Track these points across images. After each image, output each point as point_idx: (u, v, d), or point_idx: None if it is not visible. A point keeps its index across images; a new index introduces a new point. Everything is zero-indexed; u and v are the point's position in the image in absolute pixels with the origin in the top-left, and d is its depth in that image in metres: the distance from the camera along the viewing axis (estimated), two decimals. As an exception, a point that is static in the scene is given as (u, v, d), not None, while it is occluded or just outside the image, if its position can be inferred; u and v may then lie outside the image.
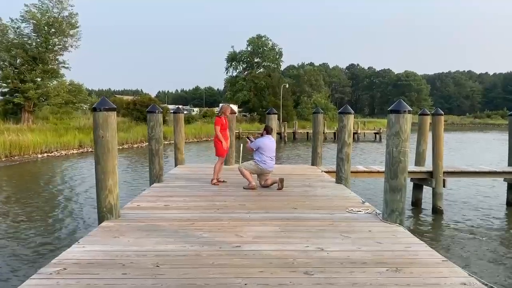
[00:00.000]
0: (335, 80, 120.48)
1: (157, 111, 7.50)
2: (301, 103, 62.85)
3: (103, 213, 4.91)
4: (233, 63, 57.92)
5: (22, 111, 31.77)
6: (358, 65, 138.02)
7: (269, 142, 7.16)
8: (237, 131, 38.43)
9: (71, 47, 33.28)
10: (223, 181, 7.52)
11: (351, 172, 9.39)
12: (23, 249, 7.12)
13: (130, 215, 5.16)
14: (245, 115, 56.91)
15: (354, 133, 43.14)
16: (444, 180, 9.67)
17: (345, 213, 5.37)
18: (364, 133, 44.51)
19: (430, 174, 9.83)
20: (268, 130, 7.29)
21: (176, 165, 10.04)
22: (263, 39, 57.15)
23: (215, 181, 7.37)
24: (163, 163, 7.71)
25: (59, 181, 14.60)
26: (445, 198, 10.19)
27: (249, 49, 56.90)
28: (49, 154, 21.62)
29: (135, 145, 28.44)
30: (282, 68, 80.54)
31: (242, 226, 4.71)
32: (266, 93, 54.46)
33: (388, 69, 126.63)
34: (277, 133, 41.52)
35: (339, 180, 7.69)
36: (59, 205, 10.69)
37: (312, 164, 10.43)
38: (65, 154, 22.27)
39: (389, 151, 4.90)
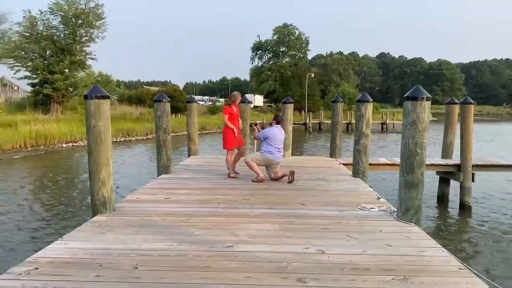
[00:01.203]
0: (365, 70, 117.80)
1: (164, 100, 7.21)
2: (328, 93, 61.64)
3: (97, 206, 4.67)
4: (258, 53, 57.27)
5: (51, 102, 32.48)
6: (388, 54, 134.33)
7: (277, 133, 6.75)
8: (261, 121, 38.11)
9: (98, 38, 33.74)
10: (237, 173, 7.15)
11: (372, 164, 8.92)
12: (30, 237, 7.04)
13: (126, 209, 4.90)
14: (270, 106, 56.35)
15: (382, 124, 42.37)
16: (473, 174, 8.97)
17: (357, 210, 4.92)
18: (393, 123, 43.20)
19: (458, 167, 9.15)
20: (277, 120, 6.87)
21: (189, 155, 9.79)
22: (289, 27, 56.18)
23: (233, 174, 7.03)
24: (171, 154, 7.43)
25: (80, 170, 14.70)
26: (473, 193, 9.48)
27: (275, 38, 56.06)
28: (74, 144, 21.95)
29: (159, 135, 28.51)
30: (309, 58, 79.45)
31: (241, 223, 4.35)
32: (291, 83, 53.66)
33: (420, 57, 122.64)
34: (302, 124, 41.07)
35: (356, 174, 7.20)
36: (73, 194, 10.67)
37: (331, 156, 9.94)
38: (90, 144, 22.51)
39: (405, 143, 4.40)
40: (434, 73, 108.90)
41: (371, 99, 7.14)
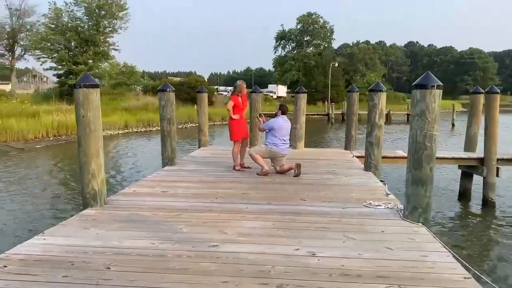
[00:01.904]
0: (392, 59, 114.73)
1: (168, 89, 6.99)
2: (354, 83, 60.33)
3: (87, 199, 4.51)
4: (282, 42, 56.45)
5: (76, 92, 32.98)
6: (417, 42, 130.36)
7: (283, 123, 6.43)
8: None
9: (120, 29, 33.97)
10: (248, 167, 6.86)
11: (387, 157, 8.49)
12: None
13: (118, 202, 4.73)
14: (293, 96, 55.62)
15: (407, 115, 40.98)
16: (497, 169, 8.39)
17: (361, 208, 4.58)
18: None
19: (481, 161, 8.59)
20: (283, 110, 6.53)
21: (199, 147, 9.61)
22: (314, 16, 55.03)
23: (238, 167, 6.77)
24: (175, 145, 7.24)
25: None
26: (498, 189, 8.90)
27: (298, 27, 55.07)
28: (95, 134, 22.17)
29: (179, 126, 28.58)
30: (336, 47, 77.92)
31: (233, 220, 4.10)
32: (315, 72, 52.74)
33: (450, 46, 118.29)
34: (324, 114, 40.34)
35: (367, 167, 6.81)
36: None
37: (345, 149, 9.54)
38: (110, 134, 22.77)
39: (412, 135, 4.03)
40: (466, 62, 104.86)
41: (384, 88, 6.71)
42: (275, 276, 2.84)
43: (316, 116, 42.58)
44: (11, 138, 18.14)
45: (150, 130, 25.41)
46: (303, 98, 9.48)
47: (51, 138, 19.82)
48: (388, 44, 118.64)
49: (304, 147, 9.90)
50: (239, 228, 3.84)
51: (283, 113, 6.55)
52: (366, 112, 6.91)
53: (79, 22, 33.08)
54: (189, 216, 4.21)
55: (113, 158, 15.42)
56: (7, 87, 45.87)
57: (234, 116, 6.72)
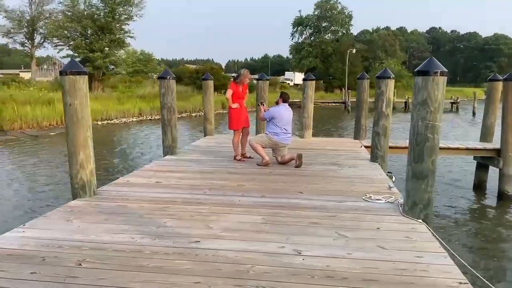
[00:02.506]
0: (413, 45, 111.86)
1: (168, 77, 6.80)
2: (373, 70, 59.12)
3: (76, 190, 4.40)
4: (299, 28, 55.58)
5: (92, 80, 33.29)
6: (440, 28, 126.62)
7: (284, 112, 6.18)
8: (299, 100, 37.13)
9: (136, 16, 33.89)
10: (250, 157, 6.67)
11: (400, 148, 8.18)
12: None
13: (109, 193, 4.61)
14: (311, 83, 54.88)
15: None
16: (515, 160, 7.97)
17: (359, 202, 4.34)
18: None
19: (498, 152, 8.17)
20: (284, 98, 6.28)
21: (205, 135, 9.45)
22: (332, 2, 53.90)
23: (238, 157, 6.58)
24: (176, 134, 7.08)
25: (110, 147, 14.85)
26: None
27: (316, 13, 54.06)
28: (109, 121, 22.35)
29: (193, 114, 28.57)
30: (355, 33, 76.35)
31: (222, 213, 3.92)
32: (333, 59, 51.85)
33: (474, 32, 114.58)
34: (341, 102, 39.64)
35: (374, 158, 6.53)
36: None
37: (355, 138, 9.24)
38: (124, 121, 22.88)
39: (413, 125, 3.74)
40: (490, 49, 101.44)
41: (392, 75, 6.37)
42: (253, 276, 2.65)
43: (332, 103, 41.99)
44: (26, 126, 18.37)
45: (164, 118, 25.39)
46: (310, 85, 9.17)
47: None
48: (409, 30, 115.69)
49: (316, 135, 9.67)
50: (226, 222, 3.66)
51: (285, 101, 6.30)
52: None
53: (94, 9, 33.15)
54: (177, 208, 4.06)
55: (121, 146, 15.47)
56: (28, 75, 46.71)
57: (233, 106, 6.50)
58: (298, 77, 59.09)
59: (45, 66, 63.73)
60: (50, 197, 8.23)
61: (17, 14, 45.46)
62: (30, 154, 13.25)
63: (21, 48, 48.78)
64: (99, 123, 21.74)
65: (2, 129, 17.16)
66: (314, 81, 9.47)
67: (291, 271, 2.73)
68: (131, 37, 34.91)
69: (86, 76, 4.32)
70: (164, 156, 6.98)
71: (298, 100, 36.00)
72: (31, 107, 19.27)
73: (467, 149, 8.40)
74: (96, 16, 32.72)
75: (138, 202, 4.25)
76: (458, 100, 37.07)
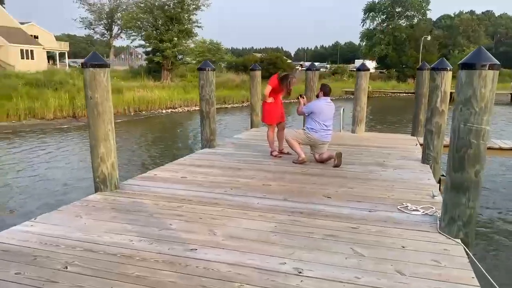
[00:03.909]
0: (502, 31, 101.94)
1: (207, 68, 6.62)
2: (452, 58, 54.81)
3: (97, 183, 4.39)
4: (371, 14, 52.95)
5: (161, 69, 34.58)
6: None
7: (325, 107, 5.71)
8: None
9: (203, 6, 34.45)
10: (287, 153, 6.31)
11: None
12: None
13: (130, 187, 4.55)
14: (382, 72, 52.37)
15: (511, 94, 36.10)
16: None
17: (393, 212, 3.83)
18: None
19: None
20: (325, 91, 5.79)
21: (251, 127, 9.22)
22: (407, -15, 50.58)
23: (275, 153, 6.26)
24: (215, 126, 6.92)
25: (173, 134, 15.26)
26: None
27: (390, -3, 51.11)
28: (173, 110, 23.02)
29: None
30: (434, 19, 71.40)
31: (233, 217, 3.65)
32: (406, 47, 48.81)
33: None
34: (413, 93, 37.19)
35: (425, 159, 5.85)
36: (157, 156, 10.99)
37: (412, 135, 8.45)
38: (188, 110, 23.44)
39: (454, 128, 3.17)
40: None
41: (450, 66, 5.61)
42: (237, 298, 2.36)
43: (403, 94, 39.66)
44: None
45: (226, 107, 25.68)
46: (365, 76, 8.51)
47: (132, 113, 20.96)
48: (497, 14, 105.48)
49: (376, 129, 9.03)
50: (234, 228, 3.39)
51: (326, 94, 5.83)
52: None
53: (165, 0, 34.21)
54: (189, 209, 3.86)
55: (175, 135, 15.79)
56: (107, 64, 49.84)
57: (268, 100, 6.14)
58: (368, 66, 56.54)
59: (122, 56, 67.71)
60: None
61: (98, 7, 48.55)
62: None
63: (101, 38, 52.15)
64: (164, 111, 22.49)
65: (74, 116, 18.39)
66: (369, 71, 8.78)
67: (281, 295, 2.40)
68: (198, 27, 35.62)
69: (108, 69, 4.25)
70: (201, 149, 6.87)
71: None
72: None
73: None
74: (166, 7, 33.77)
75: (154, 199, 4.12)
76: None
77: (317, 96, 5.87)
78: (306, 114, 5.82)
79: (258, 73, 9.07)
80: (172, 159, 6.43)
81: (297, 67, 50.20)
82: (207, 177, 4.99)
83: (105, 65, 4.22)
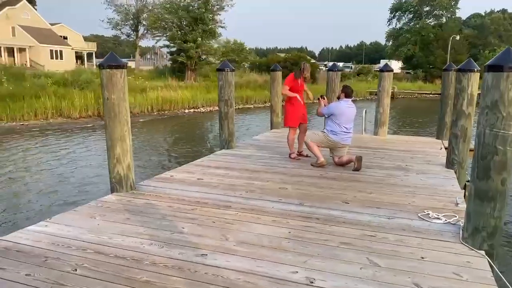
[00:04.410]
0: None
1: (226, 69, 6.58)
2: (483, 58, 53.10)
3: (113, 184, 4.40)
4: (397, 14, 51.90)
5: (185, 69, 34.91)
6: None
7: (346, 109, 5.57)
8: (392, 90, 34.79)
9: (227, 6, 34.60)
10: (306, 156, 6.21)
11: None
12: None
13: (146, 188, 4.55)
14: (408, 73, 51.27)
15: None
16: None
17: (413, 219, 3.67)
18: None
19: None
20: (347, 93, 5.64)
21: (271, 128, 9.14)
22: (436, -16, 49.35)
23: (293, 155, 6.17)
24: (233, 127, 6.87)
25: (195, 134, 15.33)
26: None
27: (417, -4, 49.97)
28: (196, 110, 23.16)
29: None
30: (464, 17, 69.43)
31: (247, 222, 3.58)
32: (434, 46, 47.60)
33: None
34: (439, 94, 36.17)
35: (450, 164, 5.63)
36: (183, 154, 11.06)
37: (437, 138, 8.19)
38: (210, 110, 23.53)
39: (479, 134, 3.00)
40: None
41: (477, 67, 5.38)
42: (244, 308, 2.28)
43: (430, 95, 38.70)
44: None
45: (248, 108, 25.66)
46: (388, 77, 8.29)
47: (155, 113, 21.20)
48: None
49: (399, 132, 8.79)
50: (246, 233, 3.31)
51: (347, 96, 5.68)
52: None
53: (190, 1, 34.52)
54: (203, 212, 3.81)
55: (195, 135, 15.83)
56: (133, 64, 50.76)
57: (289, 94, 6.00)
58: (394, 66, 55.48)
59: (148, 56, 68.72)
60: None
61: (125, 8, 49.43)
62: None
63: (127, 39, 53.05)
64: (186, 111, 22.66)
65: (99, 115, 18.72)
66: (392, 72, 8.55)
67: (290, 306, 2.30)
68: (222, 27, 35.79)
69: (124, 70, 4.25)
70: (220, 150, 6.83)
71: (390, 90, 33.82)
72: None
73: None
74: (191, 7, 34.08)
75: (169, 201, 4.10)
76: None
77: (338, 98, 5.73)
78: (326, 116, 5.69)
79: (279, 74, 8.98)
80: (191, 159, 6.43)
81: (320, 67, 49.75)
82: (223, 179, 4.93)
83: (121, 66, 4.22)
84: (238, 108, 24.39)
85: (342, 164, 5.64)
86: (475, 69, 5.34)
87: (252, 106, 25.75)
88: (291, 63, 35.68)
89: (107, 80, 4.16)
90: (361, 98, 33.44)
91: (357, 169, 5.38)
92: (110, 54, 4.30)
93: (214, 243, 3.13)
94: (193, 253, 2.95)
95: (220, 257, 2.89)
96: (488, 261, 2.89)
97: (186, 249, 3.01)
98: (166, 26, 35.10)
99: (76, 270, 2.69)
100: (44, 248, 3.01)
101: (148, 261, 2.83)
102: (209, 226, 3.48)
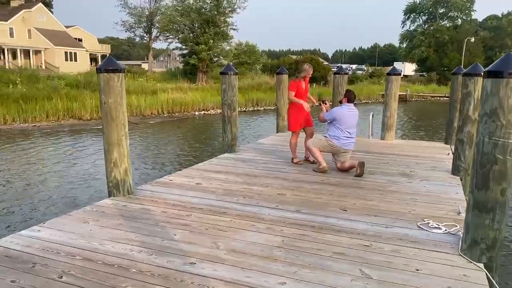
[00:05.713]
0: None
1: (229, 72, 6.54)
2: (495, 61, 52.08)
3: (110, 188, 4.39)
4: (412, 16, 51.33)
5: (197, 72, 35.03)
6: None
7: (348, 114, 5.47)
8: (404, 93, 34.42)
9: (239, 8, 34.62)
10: (313, 162, 6.02)
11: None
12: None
13: (143, 193, 4.52)
14: (422, 75, 50.62)
15: None
16: None
17: (412, 228, 3.57)
18: None
19: None
20: (349, 98, 5.55)
21: (277, 132, 9.07)
22: (451, -15, 48.71)
23: (296, 160, 6.08)
24: (236, 131, 6.82)
25: (203, 137, 15.35)
26: None
27: (432, -2, 49.38)
28: (206, 112, 23.20)
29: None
30: (480, 19, 68.41)
31: (240, 229, 3.52)
32: (449, 49, 46.92)
33: None
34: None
35: (456, 171, 5.48)
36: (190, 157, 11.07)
37: (445, 143, 8.01)
38: (219, 112, 23.51)
39: (478, 142, 2.89)
40: None
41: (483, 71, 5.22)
42: (226, 321, 2.22)
43: (444, 98, 38.11)
44: (129, 114, 19.97)
45: (258, 110, 25.60)
46: (395, 81, 8.15)
47: (165, 115, 21.30)
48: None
49: (406, 136, 8.64)
50: (238, 241, 3.25)
51: (350, 101, 5.58)
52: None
53: (201, 3, 34.66)
54: (197, 218, 3.76)
55: (203, 137, 15.84)
56: (147, 66, 51.24)
57: (296, 100, 5.92)
58: (407, 68, 54.89)
59: (161, 58, 69.26)
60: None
61: (138, 10, 49.92)
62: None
63: (141, 41, 53.55)
64: (196, 113, 22.71)
65: (110, 116, 18.88)
66: (400, 76, 8.40)
67: (274, 320, 2.24)
68: (234, 29, 35.83)
69: (122, 74, 4.23)
70: (222, 154, 6.79)
71: (403, 93, 33.43)
72: (136, 97, 20.84)
73: None
74: (203, 9, 34.20)
75: (164, 207, 4.06)
76: None
77: (340, 102, 5.64)
78: (328, 121, 5.60)
79: (285, 77, 8.91)
80: (195, 162, 6.40)
81: (333, 69, 49.48)
82: (222, 184, 4.88)
83: (119, 70, 4.20)
84: (249, 111, 24.40)
85: (344, 170, 5.54)
86: (482, 73, 5.19)
87: (262, 108, 25.68)
88: (302, 65, 35.46)
89: (105, 84, 4.16)
90: (373, 101, 33.11)
91: (359, 175, 5.28)
92: (108, 57, 4.30)
93: (204, 251, 3.07)
94: (182, 261, 2.90)
95: (208, 266, 2.83)
96: (487, 274, 2.77)
97: (175, 257, 2.96)
98: (178, 28, 35.28)
99: (62, 277, 2.67)
100: (33, 254, 2.99)
101: (135, 269, 2.79)
102: (202, 233, 3.43)
